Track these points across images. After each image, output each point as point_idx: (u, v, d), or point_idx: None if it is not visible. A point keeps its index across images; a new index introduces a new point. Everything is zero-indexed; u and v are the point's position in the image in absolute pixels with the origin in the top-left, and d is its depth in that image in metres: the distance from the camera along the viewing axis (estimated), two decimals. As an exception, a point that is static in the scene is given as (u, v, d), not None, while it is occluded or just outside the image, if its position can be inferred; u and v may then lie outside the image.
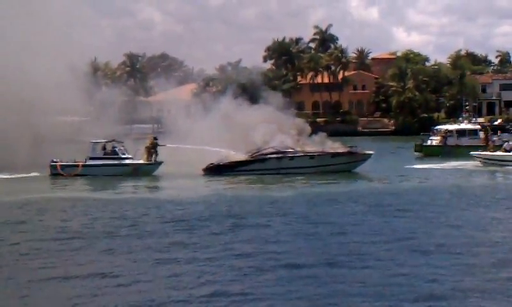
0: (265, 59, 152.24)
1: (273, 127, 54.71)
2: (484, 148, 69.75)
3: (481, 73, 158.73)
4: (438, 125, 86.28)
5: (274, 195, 40.83)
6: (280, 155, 53.27)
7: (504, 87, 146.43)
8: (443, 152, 70.51)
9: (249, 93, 67.63)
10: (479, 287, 19.57)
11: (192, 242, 26.22)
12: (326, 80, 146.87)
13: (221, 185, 47.19)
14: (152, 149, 53.63)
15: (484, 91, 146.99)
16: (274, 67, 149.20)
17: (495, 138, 75.30)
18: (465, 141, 72.94)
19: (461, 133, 74.23)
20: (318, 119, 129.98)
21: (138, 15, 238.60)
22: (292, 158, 53.36)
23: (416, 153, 72.83)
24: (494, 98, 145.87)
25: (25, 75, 60.62)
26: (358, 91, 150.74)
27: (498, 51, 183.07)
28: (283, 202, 37.26)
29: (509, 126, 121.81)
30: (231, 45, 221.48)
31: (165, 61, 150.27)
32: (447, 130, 75.24)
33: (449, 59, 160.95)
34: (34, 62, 61.27)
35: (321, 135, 56.84)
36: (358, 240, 26.17)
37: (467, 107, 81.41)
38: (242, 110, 57.79)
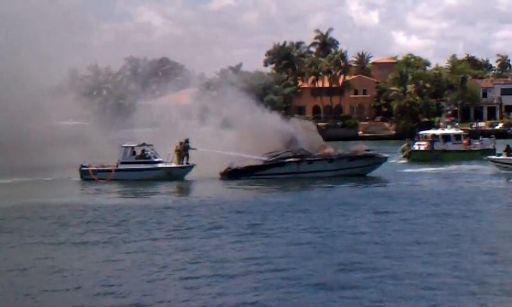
0: (266, 64, 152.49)
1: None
2: (466, 153, 70.79)
3: (482, 78, 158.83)
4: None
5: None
6: (298, 159, 53.10)
7: (505, 92, 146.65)
8: (431, 157, 70.11)
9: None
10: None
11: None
12: (326, 84, 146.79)
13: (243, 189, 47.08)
14: (183, 152, 53.33)
15: (485, 95, 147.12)
16: (275, 71, 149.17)
17: (476, 142, 75.45)
18: (450, 146, 72.86)
19: (446, 138, 74.04)
20: (319, 124, 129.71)
21: (138, 19, 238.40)
22: (310, 162, 53.03)
23: (404, 159, 70.59)
24: (495, 102, 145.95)
25: (27, 79, 60.61)
26: (359, 96, 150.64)
27: (498, 55, 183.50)
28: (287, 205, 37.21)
29: (510, 131, 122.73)
30: (231, 49, 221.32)
31: (166, 65, 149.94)
32: (433, 134, 74.65)
33: (448, 64, 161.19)
34: (36, 66, 61.23)
35: None
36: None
37: (449, 112, 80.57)
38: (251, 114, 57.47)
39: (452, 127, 77.23)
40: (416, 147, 73.26)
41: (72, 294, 19.97)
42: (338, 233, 28.74)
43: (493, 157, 60.06)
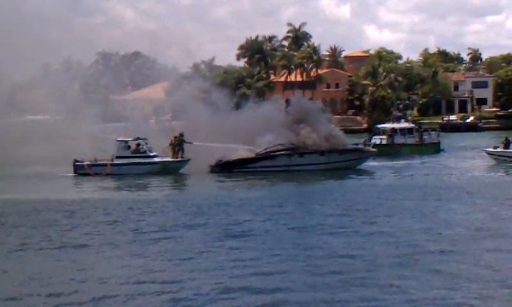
0: (238, 58, 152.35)
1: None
2: (420, 147, 72.42)
3: (453, 71, 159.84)
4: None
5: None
6: (289, 152, 53.25)
7: (476, 85, 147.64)
8: (391, 151, 70.49)
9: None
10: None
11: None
12: (299, 78, 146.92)
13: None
14: (178, 146, 53.24)
15: (456, 88, 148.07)
16: (247, 65, 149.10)
17: (425, 136, 76.27)
18: (407, 140, 73.64)
19: (403, 132, 74.65)
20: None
21: (110, 13, 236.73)
22: (302, 155, 53.39)
23: None
24: (466, 95, 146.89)
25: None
26: (332, 89, 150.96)
27: (469, 49, 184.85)
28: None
29: (481, 124, 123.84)
30: (204, 43, 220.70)
31: (138, 59, 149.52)
32: (393, 128, 75.14)
33: (420, 57, 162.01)
34: (7, 61, 60.87)
35: None
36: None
37: (400, 106, 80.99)
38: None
39: (404, 121, 78.04)
40: (377, 141, 73.47)
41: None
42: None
43: (490, 149, 60.73)
